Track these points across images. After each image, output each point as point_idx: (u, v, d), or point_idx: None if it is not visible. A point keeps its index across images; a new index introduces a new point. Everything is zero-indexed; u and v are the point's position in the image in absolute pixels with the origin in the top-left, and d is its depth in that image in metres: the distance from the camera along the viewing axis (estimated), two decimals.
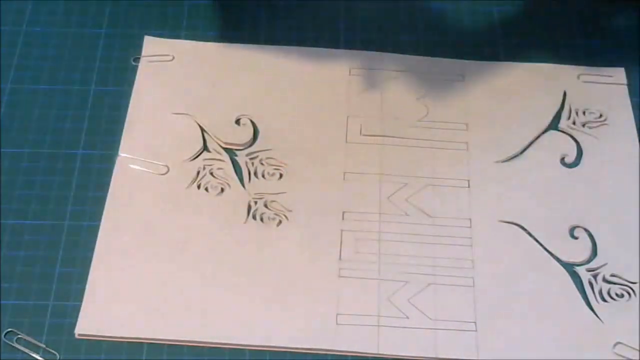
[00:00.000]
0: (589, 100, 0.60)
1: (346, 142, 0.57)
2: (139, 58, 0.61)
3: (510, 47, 0.62)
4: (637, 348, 0.50)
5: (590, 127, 0.58)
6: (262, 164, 0.56)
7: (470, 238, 0.54)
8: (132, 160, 0.56)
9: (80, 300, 0.50)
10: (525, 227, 0.54)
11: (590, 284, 0.52)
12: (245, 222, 0.54)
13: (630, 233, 0.54)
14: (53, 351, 0.49)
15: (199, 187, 0.55)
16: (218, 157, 0.57)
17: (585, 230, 0.54)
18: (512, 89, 0.60)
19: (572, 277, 0.52)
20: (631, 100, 0.60)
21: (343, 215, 0.54)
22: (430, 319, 0.51)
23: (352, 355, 0.49)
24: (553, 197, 0.55)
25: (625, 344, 0.50)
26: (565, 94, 0.60)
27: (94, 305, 0.50)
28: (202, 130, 0.58)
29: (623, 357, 0.49)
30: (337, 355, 0.49)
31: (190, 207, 0.54)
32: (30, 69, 0.60)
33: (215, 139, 0.57)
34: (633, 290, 0.52)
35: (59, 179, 0.55)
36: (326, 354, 0.49)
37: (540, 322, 0.50)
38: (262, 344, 0.49)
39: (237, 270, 0.52)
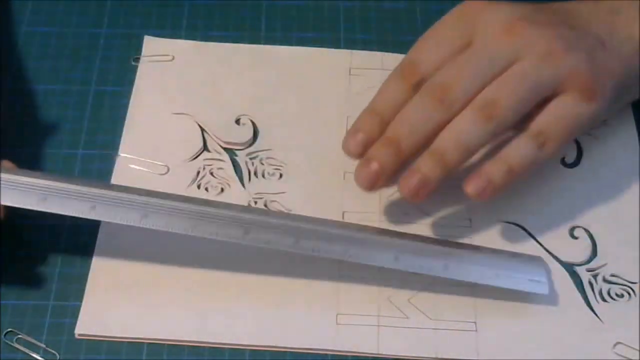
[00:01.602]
0: None
1: None
2: (139, 58, 0.61)
3: None
4: (637, 348, 0.50)
5: None
6: (262, 163, 0.56)
7: (470, 238, 0.54)
8: (132, 160, 0.56)
9: (80, 300, 0.50)
10: (526, 227, 0.54)
11: (590, 284, 0.52)
12: None
13: (630, 233, 0.54)
14: (53, 351, 0.49)
15: (199, 187, 0.55)
16: (218, 157, 0.57)
17: (585, 230, 0.54)
18: None
19: (572, 277, 0.52)
20: None
21: (343, 215, 0.54)
22: (430, 319, 0.50)
23: (352, 355, 0.49)
24: (553, 197, 0.55)
25: (625, 344, 0.50)
26: None
27: (94, 305, 0.50)
28: (202, 130, 0.58)
29: (623, 357, 0.49)
30: (337, 355, 0.49)
31: None
32: (30, 69, 0.60)
33: (215, 138, 0.57)
34: (633, 290, 0.52)
35: None
36: (326, 354, 0.49)
37: (540, 322, 0.50)
38: (262, 344, 0.49)
39: (237, 270, 0.52)
